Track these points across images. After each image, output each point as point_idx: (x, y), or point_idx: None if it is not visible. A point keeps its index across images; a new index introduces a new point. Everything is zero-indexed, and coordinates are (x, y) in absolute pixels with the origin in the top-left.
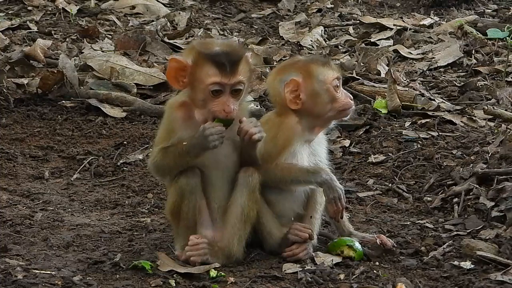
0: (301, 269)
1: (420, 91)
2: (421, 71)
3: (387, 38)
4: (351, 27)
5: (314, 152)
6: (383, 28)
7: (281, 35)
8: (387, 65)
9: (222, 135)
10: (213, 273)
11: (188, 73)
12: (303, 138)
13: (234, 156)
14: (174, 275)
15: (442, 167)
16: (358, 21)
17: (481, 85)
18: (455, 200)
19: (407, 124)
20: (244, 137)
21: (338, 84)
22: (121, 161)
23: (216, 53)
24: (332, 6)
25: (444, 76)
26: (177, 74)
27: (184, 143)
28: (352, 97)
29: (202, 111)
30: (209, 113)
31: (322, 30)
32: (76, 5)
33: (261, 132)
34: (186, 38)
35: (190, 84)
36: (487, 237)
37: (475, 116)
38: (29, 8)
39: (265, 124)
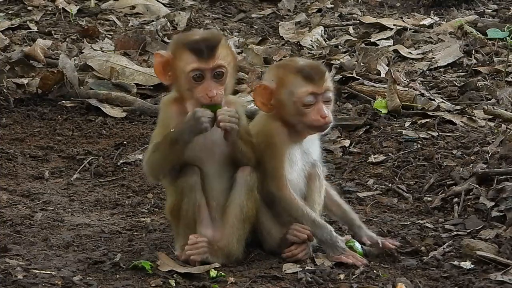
0: (301, 269)
1: (420, 91)
2: (421, 71)
3: (387, 38)
4: (351, 27)
5: (306, 151)
6: (383, 28)
7: (281, 35)
8: (387, 65)
9: (211, 119)
10: (213, 273)
11: (171, 66)
12: (292, 140)
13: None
14: (174, 275)
15: (442, 167)
16: (358, 21)
17: (481, 85)
18: (455, 200)
19: (407, 124)
20: (219, 126)
21: (311, 100)
22: (121, 161)
23: (193, 40)
24: (332, 6)
25: (444, 76)
26: (164, 68)
27: (171, 130)
28: (328, 116)
29: (192, 102)
30: (196, 101)
31: (322, 30)
32: (76, 5)
33: (234, 123)
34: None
35: (174, 76)
36: (487, 237)
37: (475, 116)
38: (29, 8)
39: (254, 126)
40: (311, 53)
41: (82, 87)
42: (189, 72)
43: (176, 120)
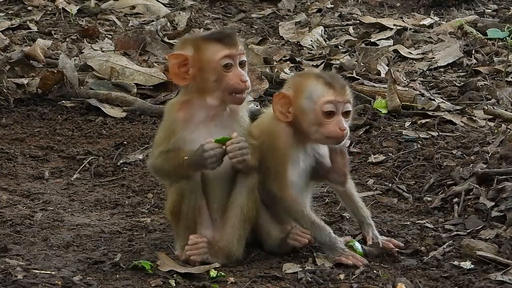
0: (301, 269)
1: (420, 91)
2: (421, 71)
3: (387, 38)
4: (351, 27)
5: (310, 152)
6: (383, 28)
7: (281, 35)
8: (387, 65)
9: (221, 156)
10: (213, 273)
11: (192, 64)
12: (296, 141)
13: None
14: (174, 275)
15: (442, 167)
16: (358, 21)
17: (481, 85)
18: (455, 200)
19: (407, 124)
20: (231, 159)
21: (332, 110)
22: (121, 161)
23: (215, 32)
24: (332, 6)
25: (444, 76)
26: (180, 69)
27: (185, 157)
28: (346, 129)
29: (217, 95)
30: (224, 92)
31: (322, 30)
32: (76, 5)
33: (245, 154)
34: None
35: (196, 73)
36: (487, 237)
37: (475, 116)
38: (29, 8)
39: (258, 126)
40: (311, 53)
41: (82, 87)
42: (220, 60)
43: (182, 127)
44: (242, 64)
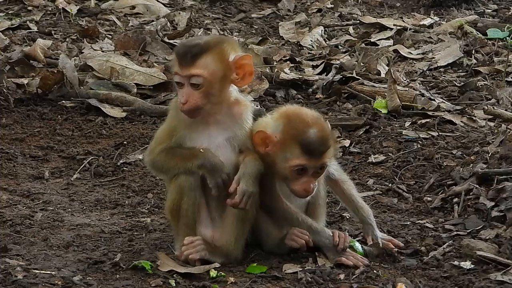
0: (301, 269)
1: (420, 91)
2: (421, 71)
3: (387, 38)
4: (351, 27)
5: None
6: (383, 28)
7: (281, 35)
8: (387, 65)
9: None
10: (213, 273)
11: None
12: None
13: (233, 156)
14: (174, 275)
15: (442, 167)
16: (358, 21)
17: (481, 85)
18: (455, 200)
19: (407, 124)
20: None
21: (302, 169)
22: (121, 161)
23: (180, 46)
24: (332, 6)
25: (444, 76)
26: None
27: (201, 150)
28: (311, 190)
29: None
30: None
31: (322, 30)
32: (76, 5)
33: (246, 203)
34: (186, 38)
35: None
36: (487, 237)
37: (475, 116)
38: (29, 8)
39: (257, 126)
40: (311, 53)
41: (82, 87)
42: (174, 75)
43: (185, 125)
44: (195, 86)
